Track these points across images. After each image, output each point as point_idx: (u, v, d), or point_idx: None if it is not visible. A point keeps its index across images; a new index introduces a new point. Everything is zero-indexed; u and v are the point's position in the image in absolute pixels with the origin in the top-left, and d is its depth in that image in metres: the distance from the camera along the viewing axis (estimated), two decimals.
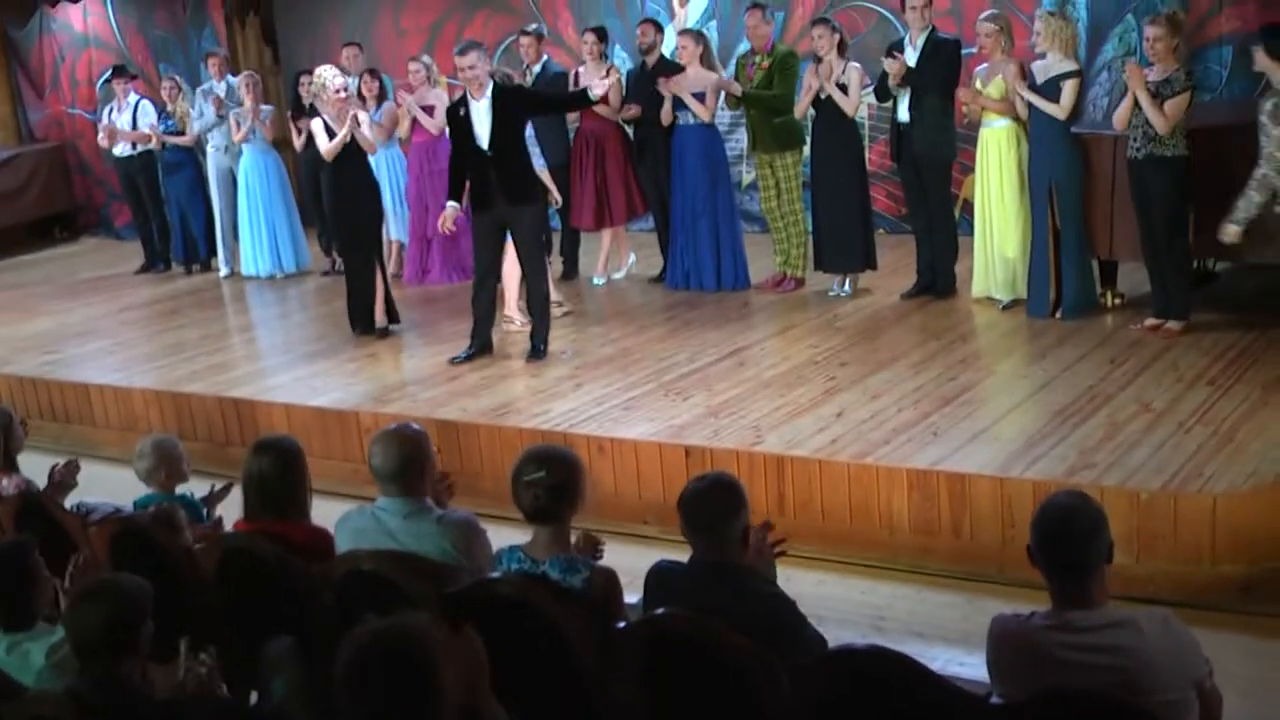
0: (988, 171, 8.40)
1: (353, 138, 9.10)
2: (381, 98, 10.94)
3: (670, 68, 9.62)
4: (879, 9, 11.08)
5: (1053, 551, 3.17)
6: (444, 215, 8.35)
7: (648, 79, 9.77)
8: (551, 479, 3.79)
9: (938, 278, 8.97)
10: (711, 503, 3.63)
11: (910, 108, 8.69)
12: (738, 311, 9.12)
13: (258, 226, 11.88)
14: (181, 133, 12.31)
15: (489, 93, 7.99)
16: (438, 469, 4.41)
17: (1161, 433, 6.12)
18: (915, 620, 5.49)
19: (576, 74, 10.14)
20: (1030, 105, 7.99)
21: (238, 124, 11.71)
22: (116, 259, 13.97)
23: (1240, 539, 5.39)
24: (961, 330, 8.23)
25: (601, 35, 10.25)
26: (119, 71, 13.12)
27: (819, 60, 8.94)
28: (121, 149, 12.67)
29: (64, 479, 5.32)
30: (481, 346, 8.42)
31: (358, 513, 4.26)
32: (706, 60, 9.51)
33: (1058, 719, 2.89)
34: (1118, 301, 8.32)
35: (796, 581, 3.86)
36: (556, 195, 9.57)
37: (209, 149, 12.21)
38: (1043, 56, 7.98)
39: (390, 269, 10.41)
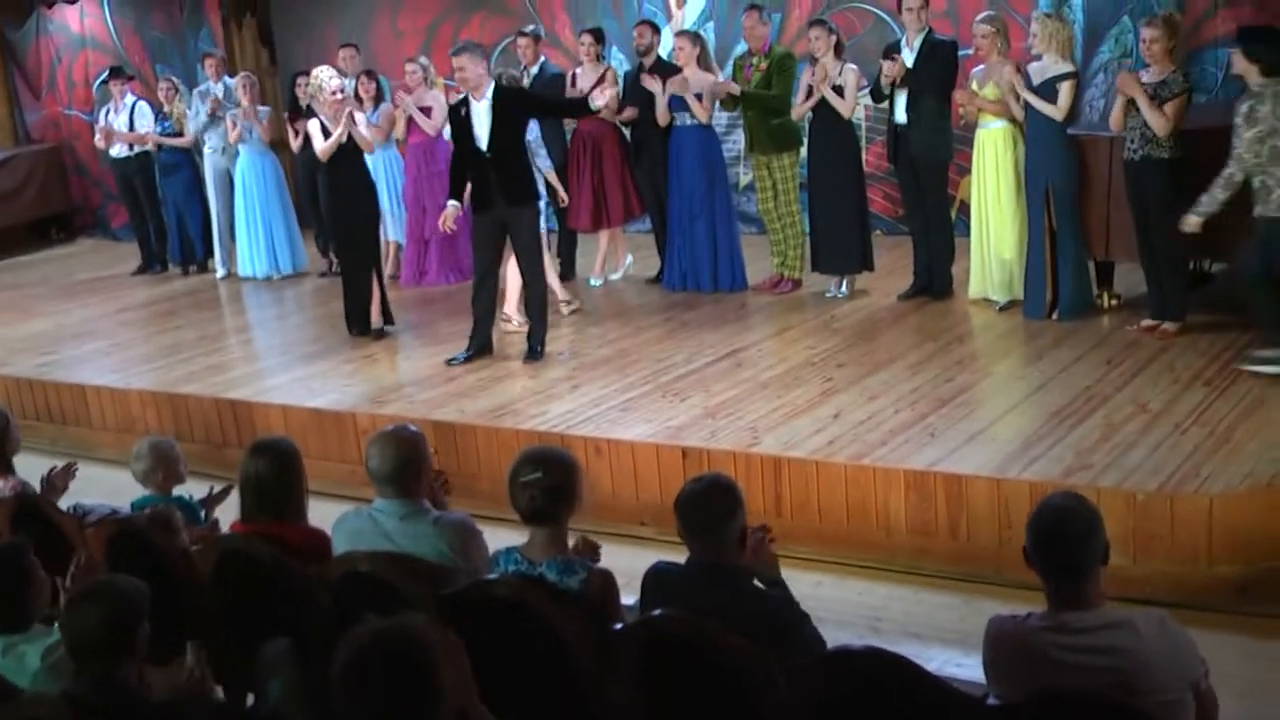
0: (984, 173, 8.41)
1: (349, 138, 9.10)
2: (378, 99, 10.94)
3: (667, 69, 9.63)
4: (876, 10, 11.08)
5: (1049, 553, 3.17)
6: (445, 214, 8.35)
7: (645, 84, 9.77)
8: (548, 480, 3.79)
9: (935, 279, 8.98)
10: (709, 504, 3.63)
11: (907, 109, 8.69)
12: (735, 313, 9.13)
13: (255, 227, 11.88)
14: (179, 134, 12.31)
15: (489, 94, 7.99)
16: (434, 469, 4.41)
17: (1158, 433, 6.13)
18: (912, 621, 5.49)
19: (574, 75, 10.15)
20: (1027, 107, 8.00)
21: (234, 125, 11.71)
22: (113, 260, 13.96)
23: (1237, 539, 5.39)
24: (958, 331, 8.24)
25: (598, 37, 10.27)
26: (116, 73, 13.11)
27: (816, 62, 8.94)
28: (118, 150, 12.67)
29: (60, 481, 5.31)
30: (481, 348, 8.42)
31: (355, 514, 4.26)
32: (704, 62, 9.51)
33: None
34: (1114, 303, 8.33)
35: (793, 583, 3.84)
36: (564, 194, 9.58)
37: (206, 150, 12.21)
38: (1039, 58, 7.99)
39: (387, 270, 10.41)
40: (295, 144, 11.16)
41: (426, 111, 10.64)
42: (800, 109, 9.17)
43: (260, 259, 11.91)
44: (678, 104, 9.46)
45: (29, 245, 15.57)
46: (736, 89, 9.28)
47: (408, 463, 4.14)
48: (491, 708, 3.04)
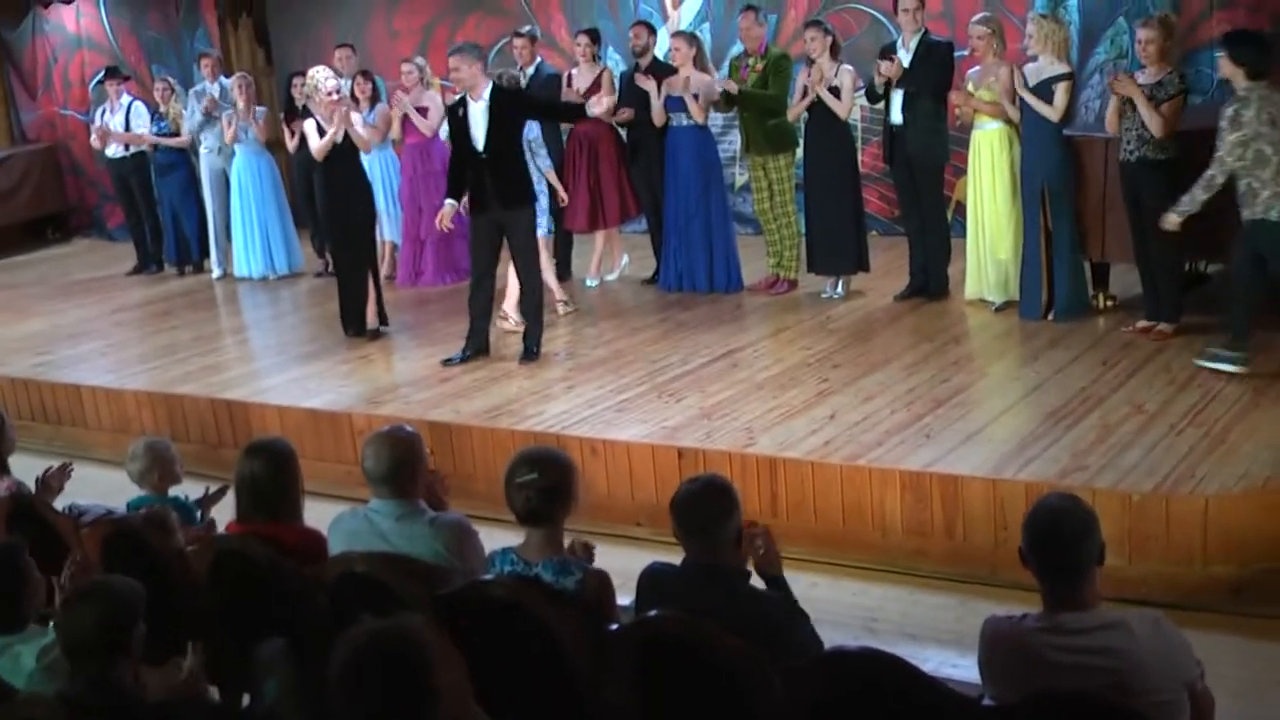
0: (980, 174, 8.42)
1: (345, 138, 9.10)
2: (374, 99, 10.94)
3: (664, 70, 9.63)
4: (872, 11, 11.09)
5: (1044, 553, 3.17)
6: (441, 212, 8.35)
7: (639, 84, 9.77)
8: (544, 481, 3.79)
9: (930, 280, 8.98)
10: (704, 505, 3.63)
11: (903, 110, 8.70)
12: (731, 313, 9.13)
13: (250, 228, 11.87)
14: (175, 134, 12.30)
15: (486, 95, 7.99)
16: (431, 470, 4.41)
17: (1153, 434, 6.13)
18: (908, 622, 5.50)
19: (569, 76, 10.15)
20: (1022, 108, 8.00)
21: (230, 125, 11.70)
22: (109, 260, 13.95)
23: (1232, 540, 5.40)
24: (954, 332, 8.24)
25: (594, 37, 10.26)
26: (112, 73, 13.09)
27: (812, 63, 8.95)
28: (114, 150, 12.65)
29: (55, 482, 5.31)
30: (478, 348, 8.42)
31: (350, 515, 4.26)
32: (700, 63, 9.53)
33: None
34: (1110, 304, 8.34)
35: (789, 583, 3.85)
36: (564, 194, 9.58)
37: (202, 150, 12.20)
38: (1035, 59, 8.00)
39: (384, 270, 10.41)
40: (291, 144, 11.15)
41: (423, 112, 10.64)
42: (795, 110, 9.17)
43: (256, 259, 11.91)
44: (674, 105, 9.46)
45: (25, 245, 15.55)
46: (734, 87, 9.27)
47: (403, 463, 4.15)
48: (487, 708, 3.04)
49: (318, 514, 4.51)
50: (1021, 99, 7.99)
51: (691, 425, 6.86)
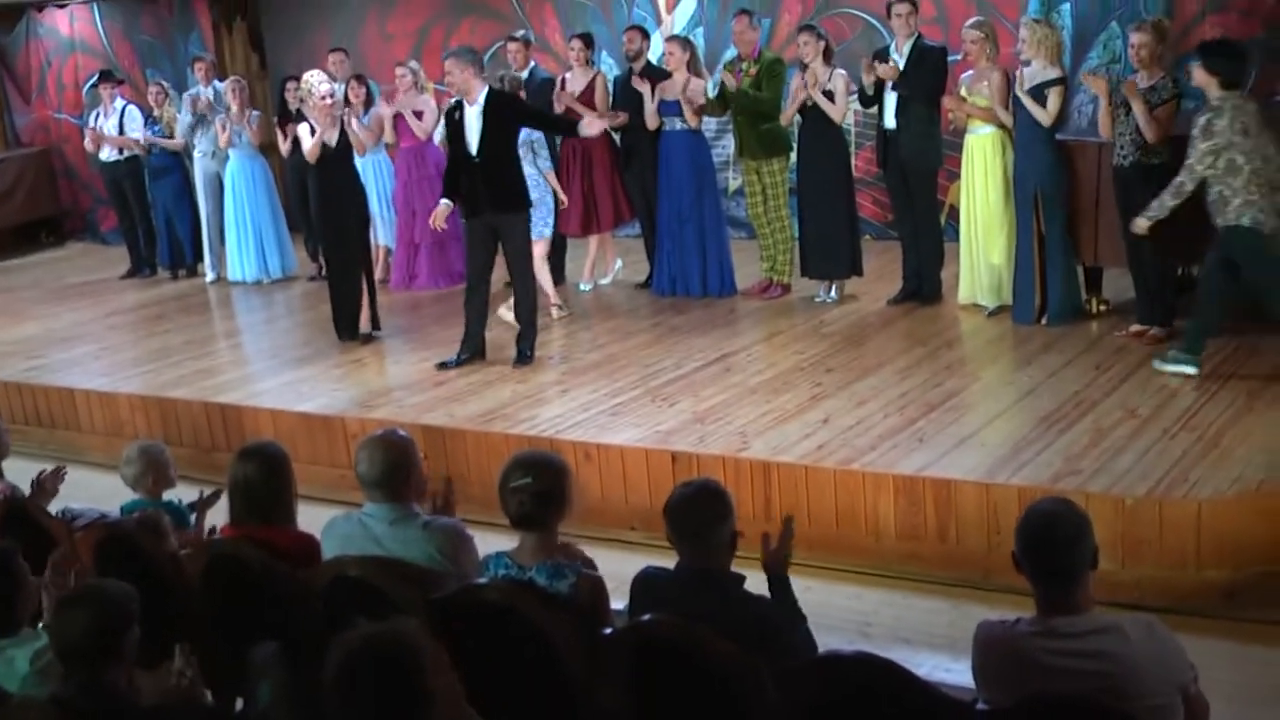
0: (973, 178, 8.44)
1: (340, 142, 9.11)
2: (368, 103, 10.94)
3: (657, 74, 9.64)
4: (865, 16, 11.10)
5: (1037, 558, 3.18)
6: (436, 211, 8.34)
7: (635, 86, 9.78)
8: (538, 485, 3.80)
9: (923, 284, 9.00)
10: (698, 509, 3.63)
11: (897, 115, 8.72)
12: (724, 317, 9.13)
13: (244, 231, 11.87)
14: (170, 136, 12.29)
15: (481, 99, 7.99)
16: (426, 476, 4.40)
17: (1146, 439, 6.15)
18: (901, 626, 5.50)
19: (563, 80, 10.15)
20: (1015, 113, 8.02)
21: (224, 129, 11.70)
22: (102, 264, 13.93)
23: (1225, 544, 5.41)
24: (947, 336, 8.25)
25: (588, 41, 10.27)
26: (106, 76, 13.08)
27: (805, 68, 8.96)
28: (108, 154, 12.65)
29: (49, 485, 5.30)
30: (473, 352, 8.42)
31: (344, 519, 4.25)
32: (694, 67, 9.53)
33: None
34: (1102, 308, 8.35)
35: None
36: (564, 196, 9.57)
37: (196, 154, 12.20)
38: (1028, 64, 8.01)
39: (377, 275, 10.40)
40: (284, 148, 11.16)
41: (417, 116, 10.64)
42: (788, 113, 9.18)
43: (250, 263, 11.91)
44: (668, 109, 9.47)
45: (18, 249, 15.54)
46: (733, 82, 9.26)
47: (397, 467, 4.14)
48: (481, 712, 3.04)
49: (311, 518, 4.50)
50: (1015, 102, 8.01)
51: (685, 429, 6.86)
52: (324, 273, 10.55)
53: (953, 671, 4.38)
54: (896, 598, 5.78)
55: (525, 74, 10.29)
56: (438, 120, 10.35)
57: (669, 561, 3.72)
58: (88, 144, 12.83)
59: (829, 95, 8.88)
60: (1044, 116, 7.86)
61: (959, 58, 8.89)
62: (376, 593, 3.74)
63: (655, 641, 3.39)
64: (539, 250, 9.49)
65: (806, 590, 5.57)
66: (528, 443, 6.71)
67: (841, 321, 8.78)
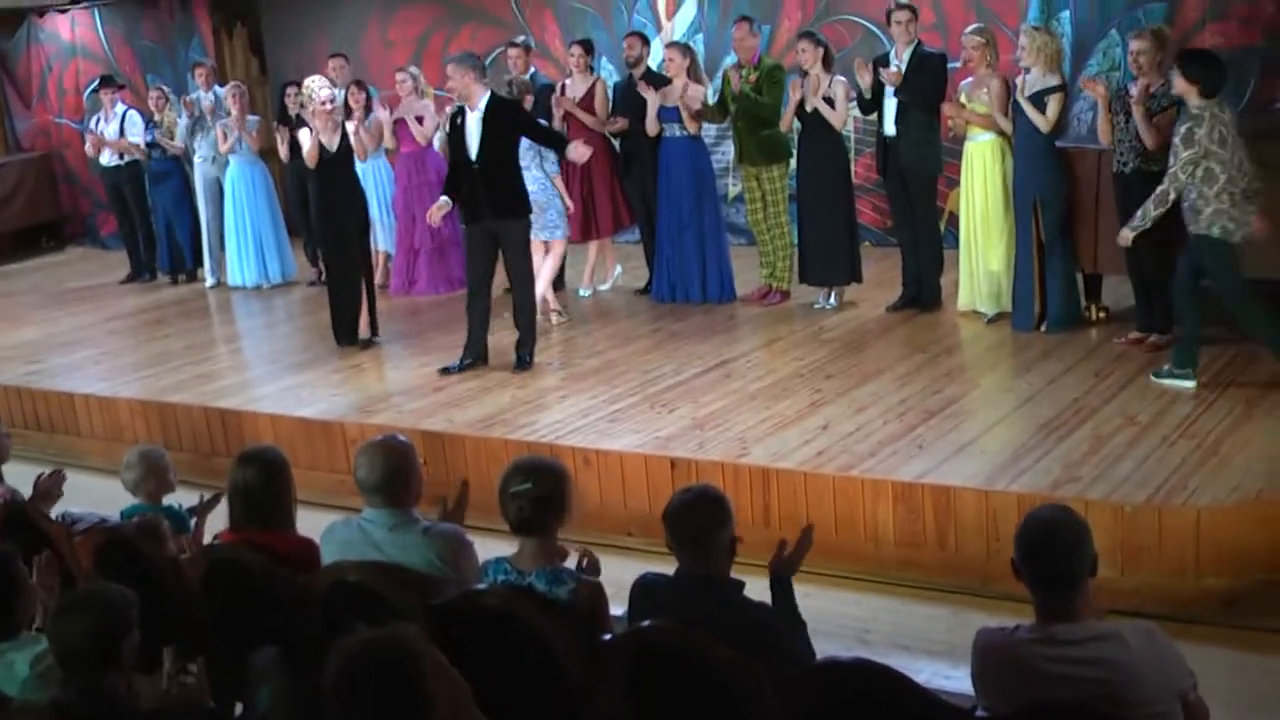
0: (972, 185, 8.44)
1: (339, 146, 9.11)
2: (368, 109, 10.95)
3: (657, 80, 9.65)
4: (865, 23, 11.12)
5: (1036, 565, 3.18)
6: (434, 207, 8.34)
7: (635, 92, 9.79)
8: (537, 490, 3.80)
9: (923, 291, 9.00)
10: (697, 515, 3.63)
11: (896, 121, 8.72)
12: (723, 324, 9.14)
13: (244, 236, 11.88)
14: (170, 139, 12.30)
15: (482, 105, 7.99)
16: (424, 482, 4.39)
17: (1146, 446, 6.15)
18: (900, 633, 5.49)
19: (563, 86, 10.16)
20: (1015, 120, 8.03)
21: (224, 134, 11.72)
22: (102, 268, 13.95)
23: (1224, 552, 5.41)
24: (946, 343, 8.26)
25: (588, 48, 10.29)
26: (106, 81, 13.10)
27: (804, 75, 8.97)
28: (108, 159, 12.66)
29: (49, 489, 5.30)
30: (476, 357, 8.42)
31: (343, 524, 4.25)
32: (694, 73, 9.54)
33: None
34: (1102, 315, 8.36)
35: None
36: (569, 201, 9.56)
37: (195, 159, 12.21)
38: (1027, 71, 8.02)
39: (377, 280, 10.41)
40: (283, 152, 11.17)
41: (418, 121, 10.65)
42: (786, 118, 9.19)
43: (249, 268, 11.92)
44: (667, 115, 9.47)
45: (18, 253, 15.57)
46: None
47: (396, 473, 4.14)
48: None
49: (310, 523, 4.51)
50: (1015, 108, 8.02)
51: (684, 435, 6.86)
52: (323, 278, 10.56)
53: (952, 679, 4.38)
54: (895, 604, 5.78)
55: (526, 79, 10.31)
56: (437, 126, 10.37)
57: (668, 567, 3.72)
58: (88, 149, 12.85)
59: (829, 102, 8.89)
60: (1043, 123, 7.87)
61: (958, 64, 8.90)
62: (376, 598, 3.74)
63: (654, 647, 3.39)
64: (557, 250, 9.52)
65: (805, 597, 5.57)
66: (527, 448, 6.71)
67: (841, 328, 8.78)
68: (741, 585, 3.67)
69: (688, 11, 12.11)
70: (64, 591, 4.08)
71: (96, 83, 13.56)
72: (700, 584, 3.60)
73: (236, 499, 4.34)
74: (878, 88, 8.76)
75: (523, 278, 8.32)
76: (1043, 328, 8.15)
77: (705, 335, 8.83)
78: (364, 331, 9.34)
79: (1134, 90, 7.47)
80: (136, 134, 12.45)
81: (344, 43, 13.26)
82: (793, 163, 9.42)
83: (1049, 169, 7.97)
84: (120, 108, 12.66)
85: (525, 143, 8.48)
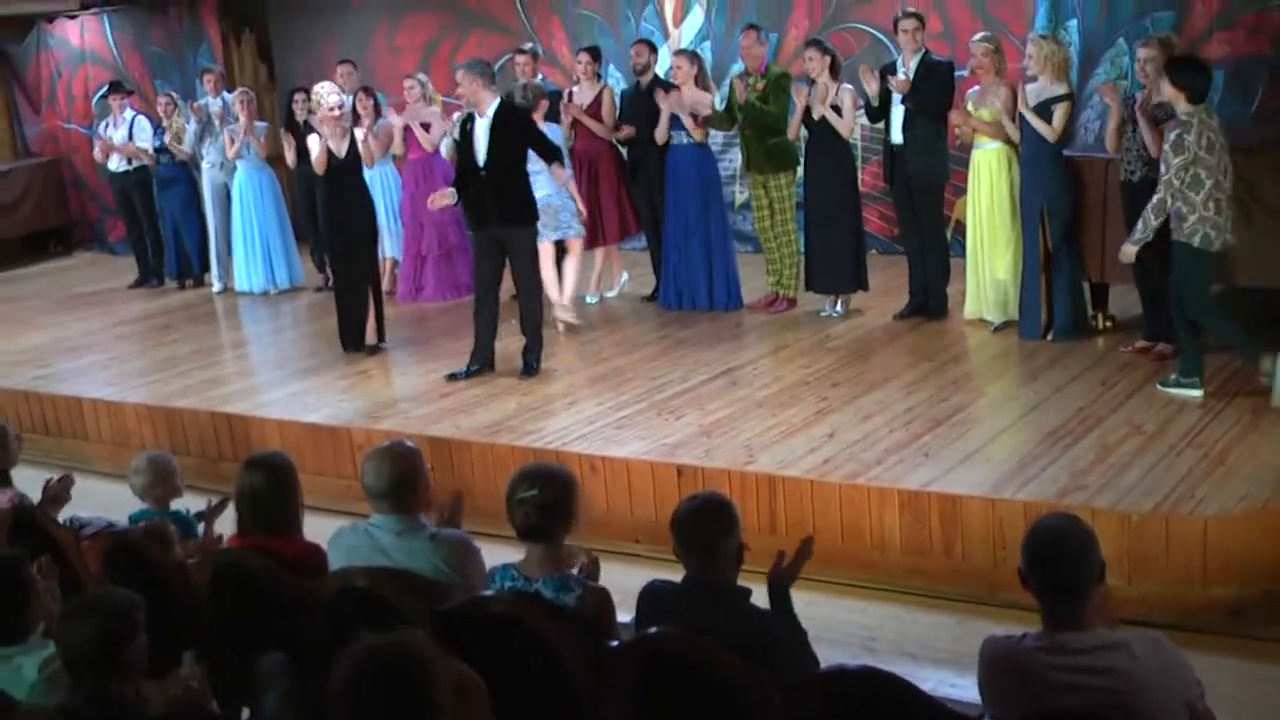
0: (979, 193, 8.44)
1: (347, 152, 9.13)
2: (376, 115, 10.96)
3: (664, 88, 9.65)
4: (873, 31, 11.12)
5: (1043, 573, 3.17)
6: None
7: (642, 99, 9.80)
8: (543, 497, 3.80)
9: (930, 299, 9.00)
10: (705, 523, 3.63)
11: (903, 130, 8.72)
12: (730, 331, 9.14)
13: (251, 242, 11.90)
14: (178, 144, 12.33)
15: (490, 112, 8.01)
16: (431, 488, 4.40)
17: (1152, 455, 6.14)
18: (906, 641, 5.49)
19: (570, 93, 10.17)
20: (1022, 128, 8.03)
21: (232, 140, 11.74)
22: (110, 273, 13.98)
23: (1232, 562, 5.41)
24: (953, 351, 8.25)
25: (595, 55, 10.30)
26: (115, 87, 13.16)
27: (812, 82, 8.98)
28: (116, 164, 12.70)
29: (58, 493, 5.32)
30: (483, 364, 8.43)
31: (351, 529, 4.26)
32: (700, 81, 9.55)
33: None
34: (1109, 324, 8.35)
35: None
36: (582, 206, 9.56)
37: (203, 165, 12.24)
38: (1034, 79, 8.02)
39: (384, 286, 10.42)
40: (290, 158, 11.20)
41: (425, 128, 10.67)
42: (793, 126, 9.20)
43: (257, 273, 11.94)
44: (674, 123, 9.48)
45: (26, 258, 15.59)
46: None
47: (404, 479, 4.14)
48: None
49: (317, 528, 4.51)
50: (1021, 118, 8.01)
51: (691, 443, 6.86)
52: (330, 284, 10.59)
53: (957, 687, 4.37)
54: (901, 612, 5.78)
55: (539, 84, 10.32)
56: (444, 132, 10.38)
57: (674, 574, 3.73)
58: (97, 154, 12.89)
59: (836, 110, 8.89)
60: (1049, 132, 7.87)
61: (966, 73, 8.90)
62: (383, 603, 3.74)
63: (661, 654, 3.39)
64: (576, 249, 9.53)
65: (811, 604, 5.58)
66: (533, 455, 6.71)
67: (847, 336, 8.78)
68: (748, 593, 3.67)
69: (695, 19, 12.12)
70: (70, 596, 4.09)
71: (106, 88, 13.62)
72: (707, 591, 3.60)
73: (243, 504, 4.35)
74: (885, 96, 8.77)
75: (529, 284, 8.33)
76: (1049, 336, 8.15)
77: (712, 342, 8.83)
78: (371, 337, 9.35)
79: (1141, 98, 7.47)
80: (145, 139, 12.48)
81: (352, 49, 13.27)
82: (800, 170, 9.43)
83: (1055, 177, 7.97)
84: (129, 113, 12.69)
85: None
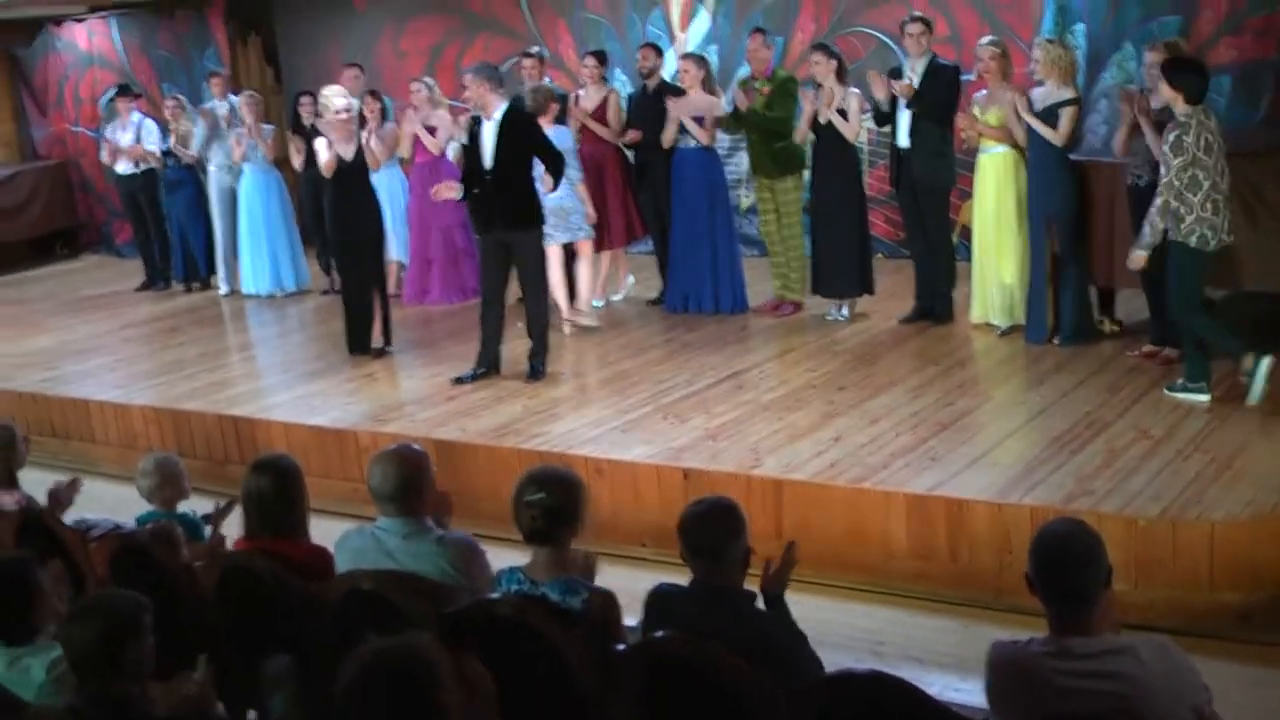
0: (986, 198, 8.44)
1: (354, 156, 9.14)
2: (383, 119, 10.97)
3: (671, 92, 9.66)
4: (879, 35, 11.13)
5: (1050, 578, 3.17)
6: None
7: (648, 103, 9.81)
8: (550, 501, 3.80)
9: (936, 303, 9.00)
10: (712, 526, 3.63)
11: (910, 134, 8.72)
12: (736, 335, 9.14)
13: (258, 245, 11.92)
14: (185, 148, 12.35)
15: (498, 115, 8.02)
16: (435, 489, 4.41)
17: (1159, 460, 6.14)
18: (912, 645, 5.48)
19: (576, 97, 10.18)
20: (1028, 132, 8.02)
21: (238, 143, 11.76)
22: (117, 276, 14.00)
23: (1239, 567, 5.40)
24: (959, 356, 8.25)
25: (601, 59, 10.30)
26: (123, 90, 13.18)
27: (818, 86, 8.98)
28: (124, 167, 12.72)
29: (65, 496, 5.33)
30: (489, 367, 8.43)
31: (357, 532, 4.26)
32: (707, 84, 9.55)
33: None
34: (1115, 328, 8.35)
35: (793, 605, 3.85)
36: (592, 210, 9.57)
37: (210, 168, 12.25)
38: (1041, 84, 8.02)
39: (390, 289, 10.43)
40: (297, 162, 11.21)
41: (431, 131, 10.68)
42: (801, 131, 9.20)
43: (263, 276, 11.95)
44: (680, 126, 9.48)
45: (34, 260, 15.63)
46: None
47: (410, 481, 4.15)
48: None
49: (323, 531, 4.51)
50: (1027, 123, 8.01)
51: (697, 446, 6.87)
52: (337, 287, 10.60)
53: (962, 691, 4.38)
54: (906, 616, 5.77)
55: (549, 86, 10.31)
56: (450, 136, 10.39)
57: (680, 578, 3.73)
58: (104, 157, 12.92)
59: (842, 114, 8.90)
60: (1054, 137, 7.86)
61: (972, 77, 8.90)
62: (389, 606, 3.74)
63: (667, 658, 3.39)
64: (587, 252, 9.53)
65: (817, 609, 5.61)
66: (539, 458, 6.71)
67: (853, 340, 8.78)
68: (754, 596, 3.68)
69: (702, 23, 12.13)
70: (76, 598, 4.10)
71: (113, 91, 13.63)
72: (714, 595, 3.60)
73: (250, 507, 4.35)
74: (891, 100, 8.77)
75: (535, 288, 8.33)
76: (1056, 341, 8.14)
77: (718, 346, 8.83)
78: (377, 340, 9.35)
79: (1154, 102, 7.46)
80: (152, 142, 12.50)
81: (358, 53, 13.29)
82: (807, 174, 9.43)
83: (1062, 182, 7.97)
84: (136, 116, 12.72)
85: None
